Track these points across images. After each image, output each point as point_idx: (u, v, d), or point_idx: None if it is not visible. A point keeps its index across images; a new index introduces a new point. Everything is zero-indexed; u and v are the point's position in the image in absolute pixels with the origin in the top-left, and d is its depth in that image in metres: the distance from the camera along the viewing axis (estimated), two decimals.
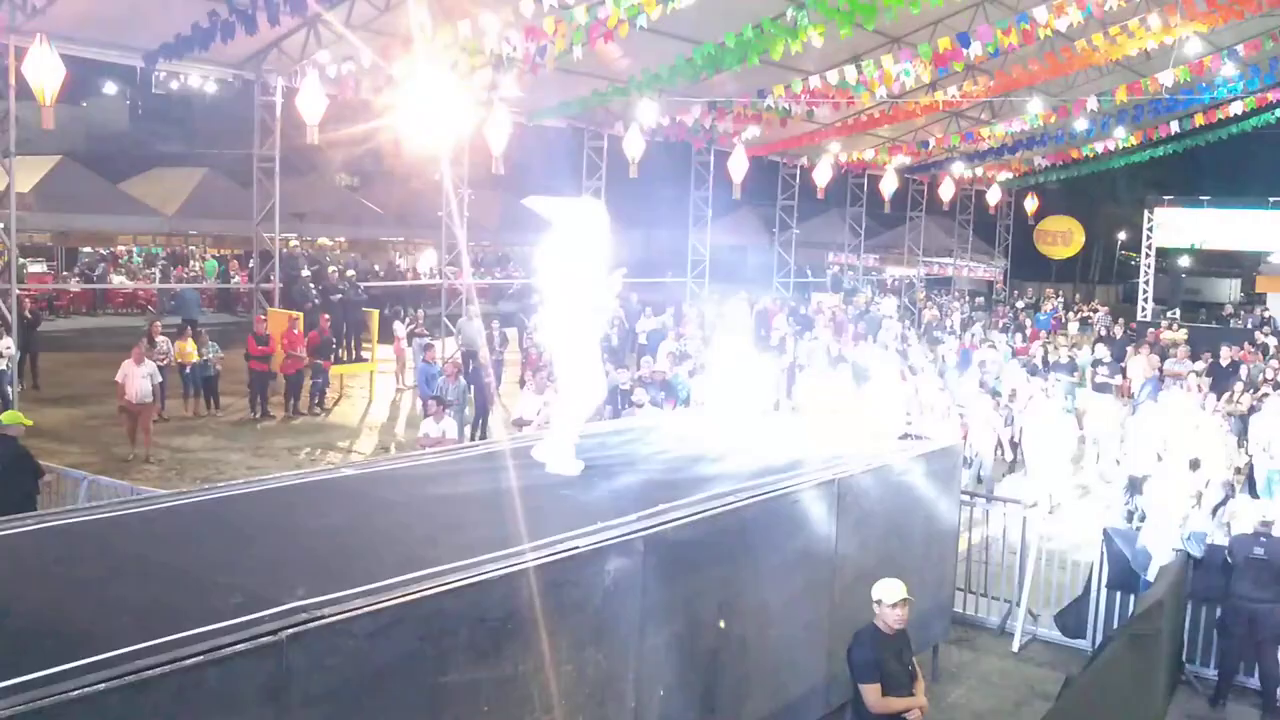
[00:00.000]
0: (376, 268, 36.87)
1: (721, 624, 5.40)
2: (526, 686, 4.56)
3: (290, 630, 3.68)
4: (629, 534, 5.12)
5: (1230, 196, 37.89)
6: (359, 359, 20.16)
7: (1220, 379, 17.25)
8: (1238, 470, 12.55)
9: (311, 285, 20.97)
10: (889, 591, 5.66)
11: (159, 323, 18.53)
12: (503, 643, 4.44)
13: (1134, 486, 12.30)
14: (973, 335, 24.43)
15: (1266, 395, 14.87)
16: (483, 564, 4.46)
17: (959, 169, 32.98)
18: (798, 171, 31.77)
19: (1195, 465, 11.16)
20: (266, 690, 3.63)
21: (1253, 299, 41.84)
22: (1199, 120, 28.82)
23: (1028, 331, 26.78)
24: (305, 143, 17.79)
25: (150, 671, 3.31)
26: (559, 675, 4.66)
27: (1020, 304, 38.69)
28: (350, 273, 23.74)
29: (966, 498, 10.10)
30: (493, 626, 4.41)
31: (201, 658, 3.43)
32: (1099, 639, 9.09)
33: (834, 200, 34.38)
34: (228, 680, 3.50)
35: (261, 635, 3.63)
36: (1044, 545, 9.98)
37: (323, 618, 3.81)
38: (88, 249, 35.79)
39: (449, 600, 4.20)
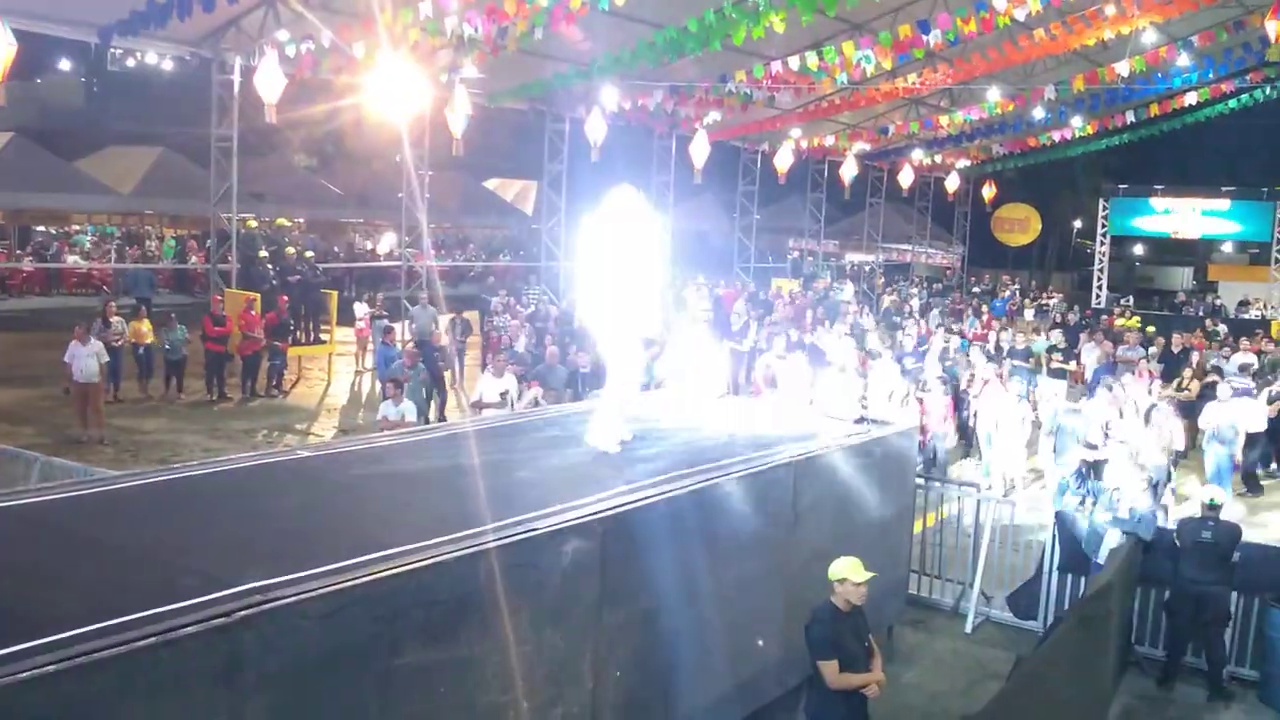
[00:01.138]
0: (336, 249, 36.57)
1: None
2: (483, 668, 4.57)
3: (244, 612, 3.67)
4: (586, 516, 5.14)
5: (1184, 186, 38.47)
6: (317, 341, 20.01)
7: (1171, 366, 17.53)
8: (1178, 454, 12.75)
9: (269, 266, 20.75)
10: (853, 570, 5.72)
11: (113, 303, 18.26)
12: (459, 625, 4.45)
13: (1084, 470, 12.48)
14: (930, 321, 24.64)
15: (1215, 382, 15.11)
16: (438, 546, 4.46)
17: (918, 156, 33.21)
18: (759, 157, 31.85)
19: (1135, 454, 11.36)
20: (220, 672, 3.62)
21: (1205, 287, 42.51)
22: (1154, 110, 29.20)
23: (984, 318, 27.03)
24: (264, 123, 17.61)
25: (102, 653, 3.29)
26: (516, 657, 4.67)
27: (977, 290, 39.07)
28: (309, 254, 23.50)
29: (922, 481, 10.22)
30: (448, 609, 4.41)
31: (154, 639, 3.41)
32: (1050, 620, 9.23)
33: (795, 186, 34.51)
34: (180, 662, 3.48)
35: (215, 617, 3.61)
36: (997, 528, 10.11)
37: (277, 599, 3.80)
38: (41, 228, 35.18)
39: (404, 582, 4.20)
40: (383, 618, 4.15)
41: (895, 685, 7.41)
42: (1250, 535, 11.35)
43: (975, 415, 14.60)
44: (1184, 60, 24.41)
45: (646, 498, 5.59)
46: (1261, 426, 14.04)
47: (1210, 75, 26.27)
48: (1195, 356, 17.94)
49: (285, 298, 18.44)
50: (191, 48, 18.85)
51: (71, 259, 32.08)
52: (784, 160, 28.14)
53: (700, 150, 23.56)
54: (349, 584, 4.03)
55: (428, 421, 13.54)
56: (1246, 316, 30.22)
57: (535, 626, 4.78)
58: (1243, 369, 17.02)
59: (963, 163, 36.82)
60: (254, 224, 30.88)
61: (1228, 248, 41.18)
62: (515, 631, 4.67)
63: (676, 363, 7.95)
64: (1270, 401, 14.79)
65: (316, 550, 4.34)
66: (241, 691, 3.68)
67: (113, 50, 18.99)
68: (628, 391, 7.27)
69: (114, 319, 16.55)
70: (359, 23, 16.19)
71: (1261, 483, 14.47)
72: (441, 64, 18.48)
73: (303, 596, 3.88)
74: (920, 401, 14.20)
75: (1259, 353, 19.23)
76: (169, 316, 17.37)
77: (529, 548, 4.77)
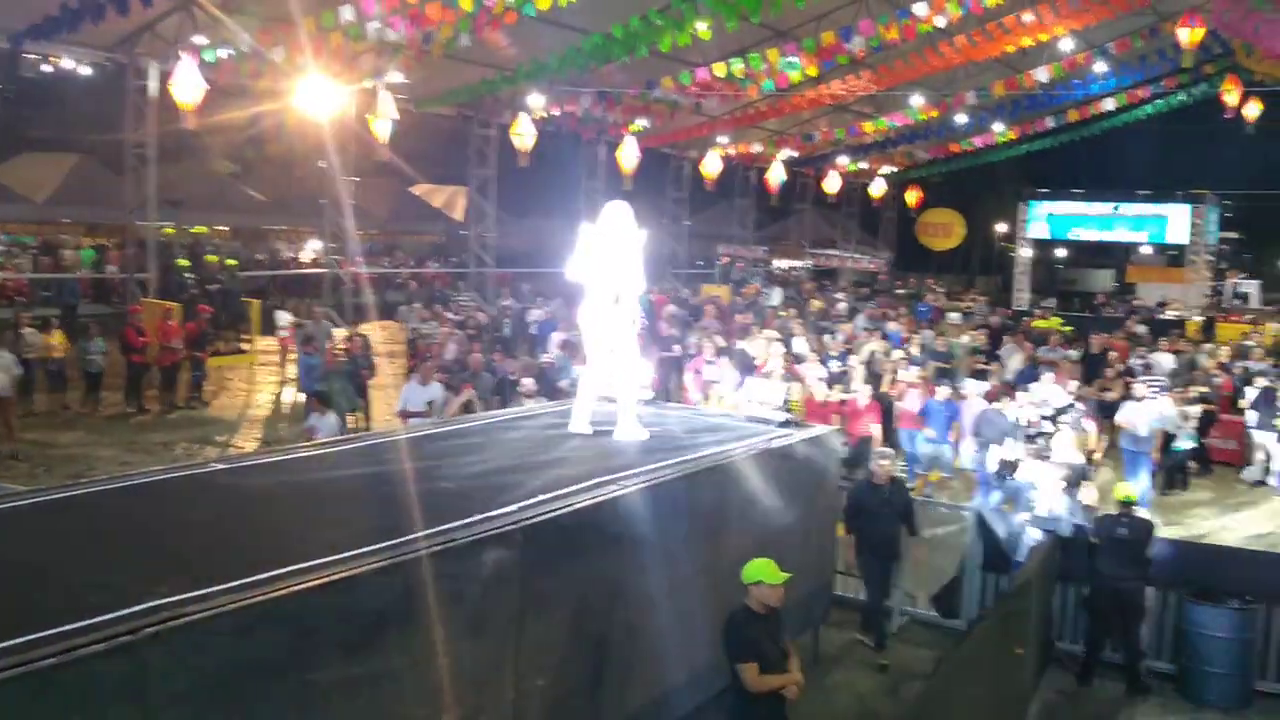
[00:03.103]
0: (259, 256, 35.93)
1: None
2: (402, 681, 4.51)
3: (151, 629, 3.57)
4: (507, 525, 5.10)
5: (1103, 189, 39.40)
6: (238, 350, 19.67)
7: (1092, 366, 17.91)
8: (1092, 454, 13.04)
9: (189, 275, 20.36)
10: (768, 572, 5.75)
11: (26, 314, 17.78)
12: (377, 638, 4.38)
13: (1003, 470, 12.71)
14: (856, 325, 24.89)
15: (1131, 382, 15.48)
16: (355, 558, 4.39)
17: (844, 162, 33.62)
18: (687, 164, 31.98)
19: (1045, 451, 11.62)
20: (128, 691, 3.52)
21: (1125, 289, 43.51)
22: (1073, 116, 29.90)
23: (904, 321, 27.35)
24: (182, 128, 17.27)
25: (2, 674, 3.18)
26: (434, 669, 4.61)
27: (902, 293, 39.56)
28: (230, 261, 23.09)
29: (846, 482, 10.31)
30: (366, 621, 4.35)
31: (55, 659, 3.31)
32: (973, 619, 9.37)
33: (724, 192, 34.71)
34: (86, 681, 3.38)
35: (122, 634, 3.52)
36: (921, 528, 10.23)
37: (187, 615, 3.71)
38: None
39: (319, 596, 4.12)
40: (298, 632, 4.07)
41: (821, 686, 7.49)
42: (1170, 531, 11.72)
43: (899, 417, 14.79)
44: (1101, 67, 25.12)
45: (568, 505, 5.57)
46: (1178, 425, 14.40)
47: (1127, 81, 27.03)
48: (1113, 355, 18.34)
49: (205, 307, 18.09)
50: (107, 53, 18.47)
51: None
52: (712, 167, 28.31)
53: (629, 157, 23.62)
54: (262, 598, 3.94)
55: (352, 432, 13.37)
56: (1164, 317, 30.99)
57: (455, 637, 4.72)
58: (1173, 374, 17.47)
59: (887, 168, 37.34)
60: (173, 232, 30.22)
61: (1147, 250, 42.14)
62: (435, 643, 4.61)
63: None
64: (1192, 402, 15.20)
65: (230, 564, 4.24)
66: (151, 710, 3.58)
67: (27, 56, 18.44)
68: (636, 387, 8.04)
69: (25, 330, 16.11)
70: (278, 27, 15.95)
71: (1180, 480, 14.85)
72: (365, 69, 18.27)
73: (214, 612, 3.79)
74: (844, 404, 14.35)
75: (1177, 352, 19.72)
76: (88, 327, 16.95)
77: (448, 558, 4.71)
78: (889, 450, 9.59)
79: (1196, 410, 15.13)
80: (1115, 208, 37.56)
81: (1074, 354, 18.83)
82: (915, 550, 9.92)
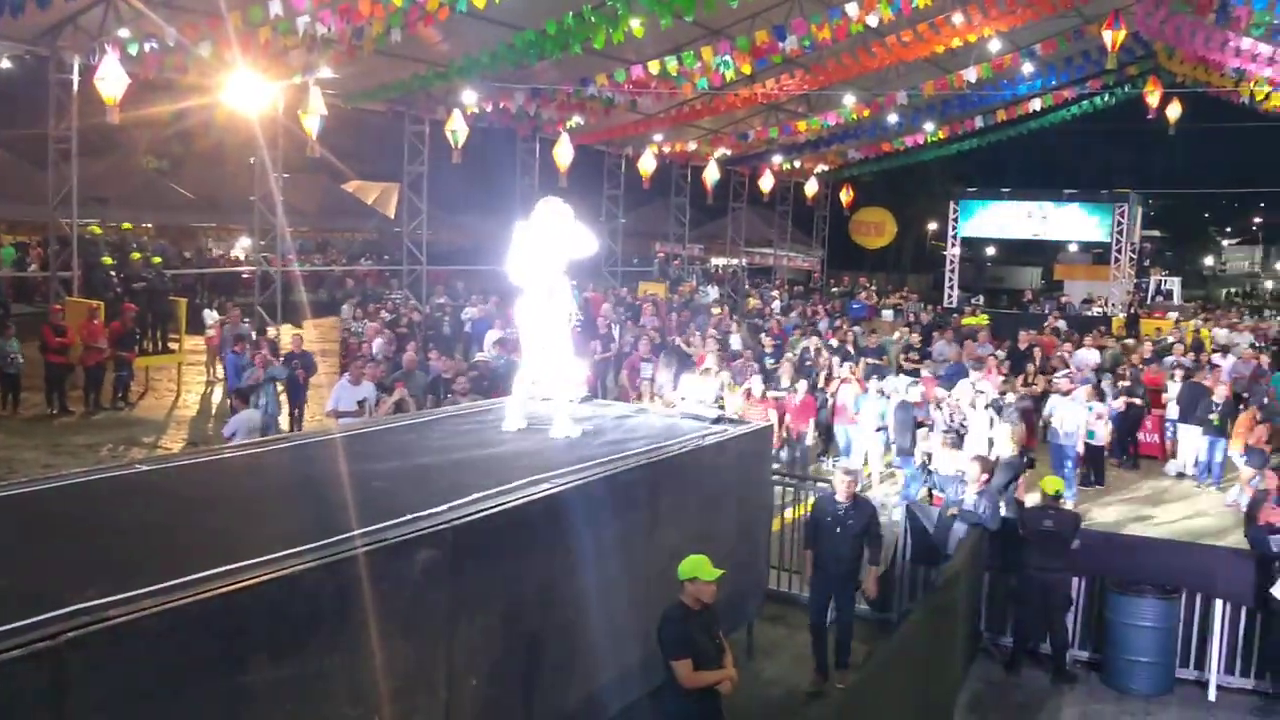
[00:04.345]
0: (187, 254, 35.26)
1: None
2: (333, 682, 4.45)
3: (71, 634, 3.49)
4: (438, 525, 5.06)
5: (1031, 188, 40.16)
6: (165, 350, 19.27)
7: (1018, 362, 18.25)
8: (1024, 449, 13.29)
9: (114, 273, 19.91)
10: (702, 568, 5.77)
11: None
12: (306, 639, 4.32)
13: (927, 463, 12.92)
14: (790, 322, 25.11)
15: (1053, 379, 15.81)
16: (283, 559, 4.33)
17: (778, 161, 33.85)
18: (623, 161, 32.00)
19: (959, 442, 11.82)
20: (46, 699, 3.43)
21: (1053, 286, 44.40)
22: (1001, 116, 30.41)
23: (838, 320, 27.67)
24: (106, 123, 16.85)
25: None
26: (366, 670, 4.57)
27: (836, 291, 40.01)
28: (156, 259, 22.59)
29: (779, 478, 10.40)
30: (295, 623, 4.29)
31: None
32: (904, 611, 9.49)
33: (659, 190, 34.78)
34: (2, 689, 3.29)
35: (39, 640, 3.43)
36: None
37: (107, 620, 3.62)
38: None
39: (246, 598, 4.05)
40: (224, 634, 4.00)
41: (756, 680, 7.54)
42: (1094, 523, 11.98)
43: (832, 413, 14.95)
44: (1028, 68, 25.60)
45: (500, 504, 5.54)
46: (1100, 419, 14.72)
47: (1053, 82, 27.59)
48: (1037, 351, 18.70)
49: (131, 306, 17.70)
50: (27, 46, 17.97)
51: None
52: (647, 164, 28.35)
53: (564, 154, 23.56)
54: (186, 601, 3.87)
55: (281, 431, 13.20)
56: (1089, 314, 31.67)
57: (386, 637, 4.68)
58: (1098, 369, 17.83)
59: (821, 167, 37.68)
60: (97, 229, 29.54)
61: (1073, 248, 43.05)
62: (365, 643, 4.56)
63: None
64: (1116, 396, 15.53)
65: (154, 567, 4.16)
66: (72, 718, 3.50)
67: None
68: (571, 383, 8.04)
69: None
70: (205, 21, 15.65)
71: (1105, 472, 15.18)
72: (295, 64, 18.00)
73: (137, 615, 3.71)
74: (778, 400, 14.48)
75: (1101, 348, 20.16)
76: (5, 326, 16.50)
77: (378, 558, 4.65)
78: (854, 465, 8.98)
79: (1120, 404, 15.46)
80: (1041, 206, 38.27)
81: (1000, 354, 19.12)
82: None
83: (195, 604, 3.89)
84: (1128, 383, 16.23)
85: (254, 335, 17.74)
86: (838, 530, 8.43)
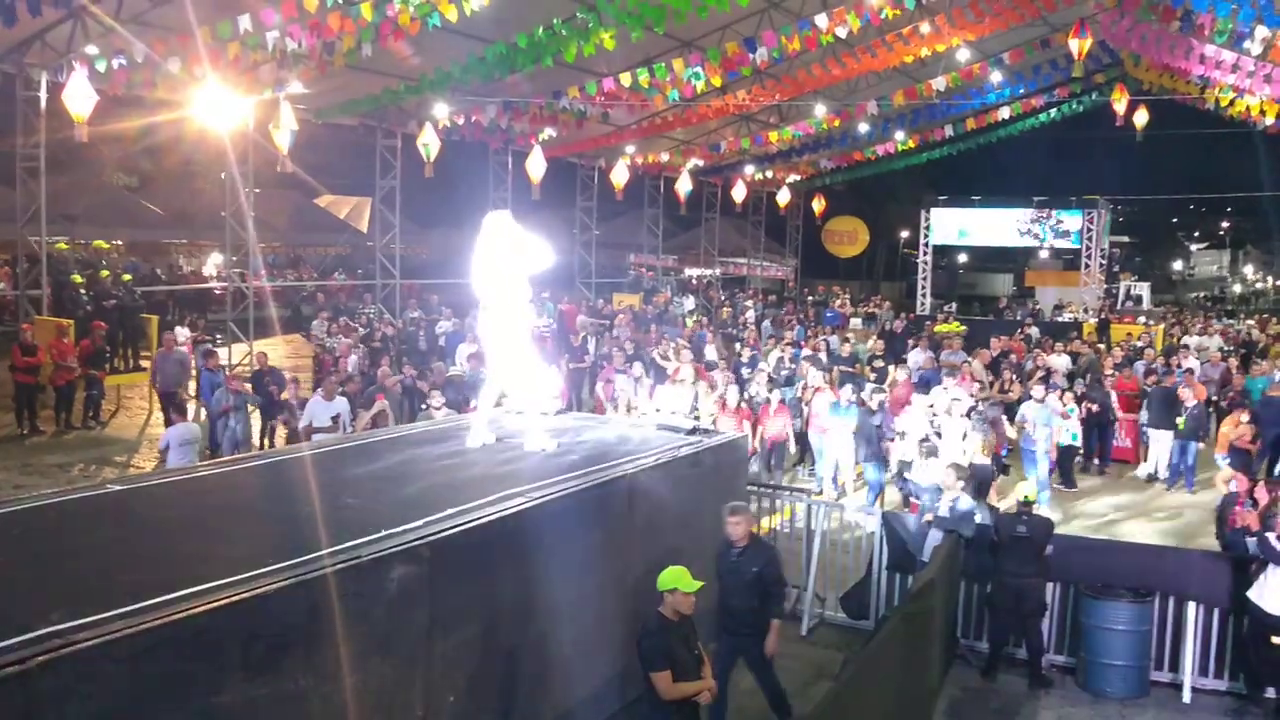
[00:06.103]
0: (158, 271, 35.01)
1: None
2: (309, 701, 4.43)
3: (41, 658, 3.46)
4: (413, 541, 5.05)
5: (1001, 196, 40.49)
6: (137, 368, 19.10)
7: (991, 368, 18.37)
8: (998, 455, 13.36)
9: (83, 291, 19.72)
10: (682, 580, 5.77)
11: None
12: (280, 658, 4.30)
13: (902, 471, 12.97)
14: (763, 332, 25.18)
15: (1025, 383, 15.92)
16: (257, 578, 4.31)
17: (750, 171, 33.93)
18: (596, 173, 32.01)
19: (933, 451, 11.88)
20: None
21: (1024, 292, 44.73)
22: (971, 124, 30.61)
23: (810, 328, 27.76)
24: (75, 140, 16.69)
25: None
26: (342, 688, 4.55)
27: (809, 299, 40.14)
28: (126, 276, 22.41)
29: (754, 488, 10.42)
30: (270, 642, 4.27)
31: None
32: (880, 619, 9.52)
33: (632, 202, 34.76)
34: None
35: (10, 664, 3.41)
36: (829, 531, 10.37)
37: (79, 643, 3.60)
38: None
39: (219, 618, 4.04)
40: (197, 655, 3.98)
41: (732, 690, 7.51)
42: (1067, 528, 12.06)
43: (808, 421, 14.99)
44: (996, 76, 25.83)
45: (475, 519, 5.53)
46: (1072, 425, 14.83)
47: (1021, 91, 27.84)
48: (1012, 358, 18.82)
49: (101, 324, 17.53)
50: None
51: None
52: (620, 176, 28.33)
53: (537, 166, 23.51)
54: (158, 622, 3.85)
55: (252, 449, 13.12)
56: (1061, 320, 31.91)
57: (362, 655, 4.66)
58: (1070, 375, 17.96)
59: (793, 177, 37.79)
60: (67, 247, 29.29)
61: (1044, 255, 43.42)
62: (341, 662, 4.54)
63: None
64: (1079, 401, 15.63)
65: (126, 589, 4.13)
66: None
67: None
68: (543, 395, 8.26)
69: None
70: (174, 37, 15.55)
71: (1076, 477, 15.29)
72: (265, 79, 17.91)
73: (108, 638, 3.69)
74: (752, 409, 14.51)
75: (1074, 354, 20.31)
76: None
77: (353, 575, 4.64)
78: (741, 505, 7.54)
79: (1081, 411, 15.54)
80: (1012, 214, 38.59)
81: (975, 361, 19.21)
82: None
83: (167, 625, 3.87)
84: (1085, 388, 16.34)
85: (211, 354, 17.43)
86: (731, 580, 7.17)
